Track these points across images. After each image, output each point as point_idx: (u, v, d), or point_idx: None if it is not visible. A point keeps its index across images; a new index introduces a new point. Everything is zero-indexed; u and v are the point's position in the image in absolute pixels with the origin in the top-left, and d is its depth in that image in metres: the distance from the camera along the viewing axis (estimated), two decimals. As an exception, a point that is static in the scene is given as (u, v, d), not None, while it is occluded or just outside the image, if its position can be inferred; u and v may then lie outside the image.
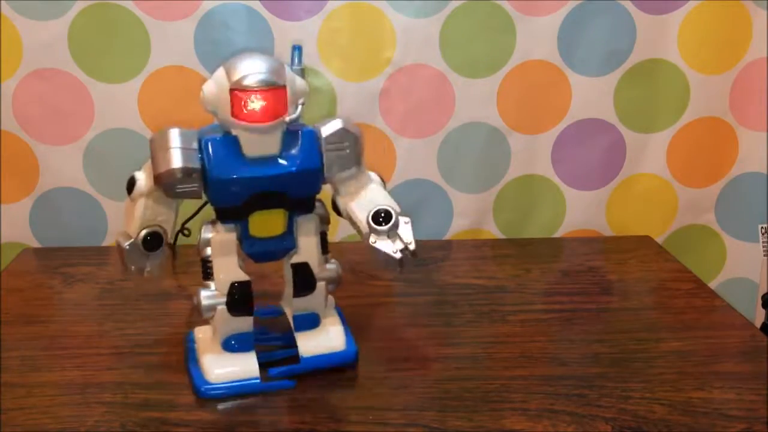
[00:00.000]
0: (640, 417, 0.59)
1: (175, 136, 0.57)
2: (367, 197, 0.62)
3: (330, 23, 0.89)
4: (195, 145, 0.57)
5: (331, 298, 0.68)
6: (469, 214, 1.00)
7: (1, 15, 0.85)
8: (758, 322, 0.97)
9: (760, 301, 1.02)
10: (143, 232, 0.61)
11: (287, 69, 0.58)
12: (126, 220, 0.63)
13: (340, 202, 0.63)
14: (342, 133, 0.60)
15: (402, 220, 0.60)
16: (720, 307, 0.79)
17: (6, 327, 0.73)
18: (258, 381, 0.62)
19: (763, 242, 1.02)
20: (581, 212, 1.01)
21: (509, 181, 0.99)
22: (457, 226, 1.00)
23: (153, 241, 0.62)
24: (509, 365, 0.67)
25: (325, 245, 0.65)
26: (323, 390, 0.63)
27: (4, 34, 0.86)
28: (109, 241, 0.95)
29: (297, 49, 0.62)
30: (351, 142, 0.61)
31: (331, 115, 0.93)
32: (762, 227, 1.02)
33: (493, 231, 1.01)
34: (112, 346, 0.70)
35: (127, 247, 0.62)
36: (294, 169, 0.58)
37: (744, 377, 0.64)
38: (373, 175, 0.64)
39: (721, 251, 1.04)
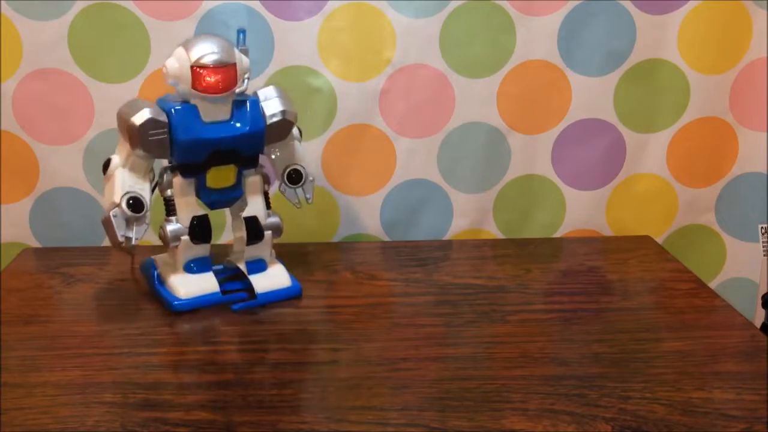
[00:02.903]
0: (640, 417, 0.59)
1: (140, 101, 0.69)
2: (287, 153, 0.79)
3: (330, 23, 0.89)
4: (158, 107, 0.69)
5: (272, 250, 0.80)
6: (469, 214, 1.00)
7: (1, 15, 0.85)
8: (758, 322, 0.97)
9: (760, 301, 1.02)
10: (126, 196, 0.70)
11: (235, 49, 0.70)
12: (105, 196, 0.72)
13: (266, 150, 0.77)
14: (281, 121, 0.74)
15: (309, 178, 0.80)
16: (720, 307, 0.79)
17: (6, 327, 0.73)
18: (219, 294, 0.76)
19: (763, 242, 1.02)
20: (581, 212, 1.01)
21: (509, 181, 0.99)
22: (457, 226, 1.00)
23: (135, 204, 0.71)
24: (509, 365, 0.67)
25: (267, 202, 0.78)
26: (324, 390, 0.63)
27: (4, 34, 0.86)
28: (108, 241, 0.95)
29: (241, 32, 0.72)
30: (288, 125, 0.75)
31: (331, 116, 0.94)
32: (762, 227, 1.02)
33: (493, 231, 1.01)
34: (112, 346, 0.70)
35: (114, 214, 0.70)
36: (245, 130, 0.71)
37: (744, 377, 0.64)
38: (295, 131, 0.78)
39: (721, 251, 1.04)
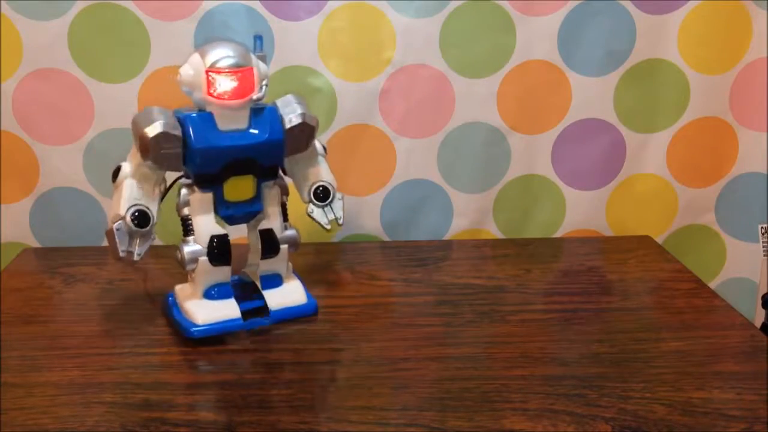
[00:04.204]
0: (640, 417, 0.59)
1: (156, 110, 0.66)
2: (312, 170, 0.75)
3: (330, 23, 0.89)
4: (173, 118, 0.66)
5: (290, 264, 0.76)
6: (469, 214, 1.00)
7: (1, 15, 0.85)
8: (758, 322, 0.97)
9: (760, 301, 1.02)
10: (131, 209, 0.67)
11: (252, 55, 0.67)
12: (113, 207, 0.69)
13: (288, 167, 0.74)
14: (302, 127, 0.70)
15: (337, 195, 0.76)
16: (720, 307, 0.79)
17: (6, 327, 0.73)
18: (240, 321, 0.71)
19: (763, 242, 1.02)
20: (581, 212, 1.01)
21: (509, 181, 0.99)
22: (457, 226, 1.00)
23: (141, 218, 0.67)
24: (509, 365, 0.67)
25: (285, 214, 0.74)
26: (324, 390, 0.63)
27: (4, 34, 0.86)
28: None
29: (259, 38, 0.70)
30: (308, 131, 0.71)
31: (331, 116, 0.93)
32: (762, 227, 1.02)
33: (493, 231, 1.01)
34: (112, 346, 0.70)
35: (117, 227, 0.67)
36: (263, 139, 0.68)
37: (744, 377, 0.64)
38: (318, 145, 0.75)
39: (721, 251, 1.04)
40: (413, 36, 0.90)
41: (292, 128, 0.69)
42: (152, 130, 0.64)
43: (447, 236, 1.00)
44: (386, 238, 1.00)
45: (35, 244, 0.96)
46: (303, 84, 0.91)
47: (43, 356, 0.68)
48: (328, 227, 0.76)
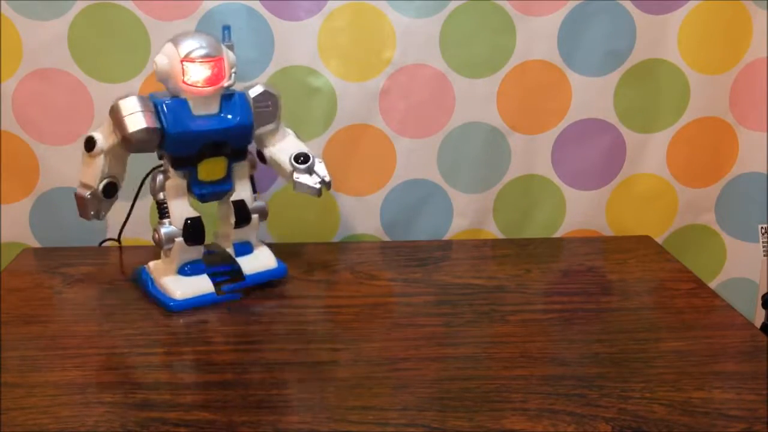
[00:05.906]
0: (640, 417, 0.59)
1: (135, 102, 0.70)
2: (287, 145, 0.79)
3: (330, 23, 0.89)
4: (152, 106, 0.71)
5: (257, 233, 0.81)
6: (469, 214, 1.00)
7: (1, 15, 0.85)
8: (758, 322, 0.97)
9: (760, 301, 1.02)
10: (104, 182, 0.74)
11: (222, 45, 0.72)
12: (83, 172, 0.75)
13: (266, 152, 0.79)
14: (265, 95, 0.75)
15: (317, 159, 0.78)
16: (720, 307, 0.79)
17: (6, 327, 0.73)
18: (214, 294, 0.77)
19: (763, 242, 1.02)
20: (581, 212, 1.01)
21: (509, 181, 0.99)
22: (457, 226, 1.00)
23: (110, 189, 0.75)
24: (509, 365, 0.67)
25: (253, 186, 0.80)
26: (324, 390, 0.63)
27: (4, 34, 0.86)
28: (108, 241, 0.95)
29: (226, 29, 0.74)
30: (273, 101, 0.76)
31: (331, 116, 0.94)
32: (762, 227, 1.02)
33: (493, 231, 1.01)
34: (112, 346, 0.70)
35: (89, 196, 0.75)
36: (234, 123, 0.74)
37: (744, 377, 0.64)
38: (288, 129, 0.80)
39: (721, 251, 1.04)
40: (413, 36, 0.90)
41: (257, 97, 0.75)
42: (133, 125, 0.69)
43: (447, 236, 1.00)
44: (386, 238, 1.00)
45: (35, 244, 0.96)
46: (303, 84, 0.91)
47: (43, 356, 0.68)
48: (318, 186, 0.76)
